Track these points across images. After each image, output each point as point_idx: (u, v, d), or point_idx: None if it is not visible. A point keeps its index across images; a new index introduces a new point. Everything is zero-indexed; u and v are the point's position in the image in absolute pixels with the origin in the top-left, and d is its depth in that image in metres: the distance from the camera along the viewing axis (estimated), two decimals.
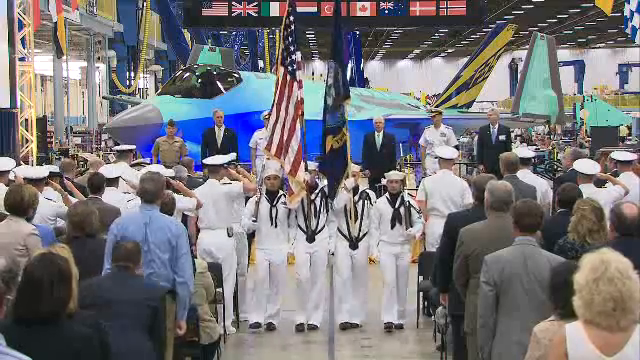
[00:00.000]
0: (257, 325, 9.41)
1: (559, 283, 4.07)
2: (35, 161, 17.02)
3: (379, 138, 15.31)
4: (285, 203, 9.43)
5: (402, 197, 9.50)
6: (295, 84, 9.54)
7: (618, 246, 4.20)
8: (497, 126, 15.38)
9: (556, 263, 4.83)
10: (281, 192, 9.53)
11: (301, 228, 9.53)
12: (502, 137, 15.27)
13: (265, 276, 9.43)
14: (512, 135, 36.39)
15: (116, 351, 4.83)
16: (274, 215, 9.39)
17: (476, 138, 18.34)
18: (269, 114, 10.19)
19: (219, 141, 14.92)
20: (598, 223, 5.94)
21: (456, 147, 15.04)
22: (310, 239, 9.48)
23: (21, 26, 16.68)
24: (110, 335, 4.28)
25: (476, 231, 6.08)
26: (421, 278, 9.58)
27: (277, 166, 9.74)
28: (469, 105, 27.19)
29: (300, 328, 9.39)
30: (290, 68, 9.58)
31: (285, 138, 9.41)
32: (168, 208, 7.10)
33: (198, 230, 9.48)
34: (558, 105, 21.37)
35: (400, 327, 9.42)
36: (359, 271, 9.61)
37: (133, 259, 5.49)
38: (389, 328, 9.35)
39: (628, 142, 28.64)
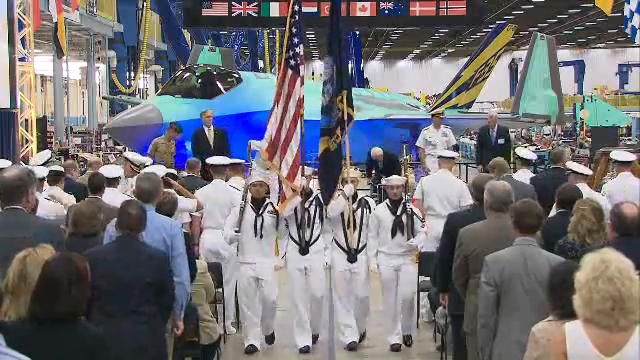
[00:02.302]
0: (253, 349, 8.70)
1: (557, 283, 4.07)
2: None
3: (381, 166, 16.00)
4: (272, 212, 8.61)
5: (404, 204, 8.71)
6: (298, 80, 8.64)
7: (618, 246, 4.20)
8: (496, 129, 15.46)
9: (556, 263, 4.83)
10: (267, 200, 8.74)
11: (293, 239, 8.70)
12: (501, 140, 15.36)
13: (251, 294, 8.69)
14: (512, 135, 36.51)
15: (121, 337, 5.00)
16: (259, 225, 8.53)
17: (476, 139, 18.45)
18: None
19: (211, 141, 14.91)
20: (598, 223, 5.95)
21: (455, 147, 15.22)
22: (303, 251, 8.67)
23: (21, 26, 16.69)
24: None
25: (476, 231, 6.09)
26: (421, 278, 9.55)
27: (264, 170, 9.21)
28: (469, 105, 27.18)
29: (305, 350, 8.69)
30: (292, 62, 8.69)
31: (282, 139, 8.60)
32: (168, 208, 7.09)
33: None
34: (558, 105, 21.35)
35: (399, 347, 8.75)
36: (359, 286, 8.78)
37: (137, 226, 5.48)
38: (396, 350, 8.73)
39: (628, 142, 28.66)
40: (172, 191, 7.99)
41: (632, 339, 3.46)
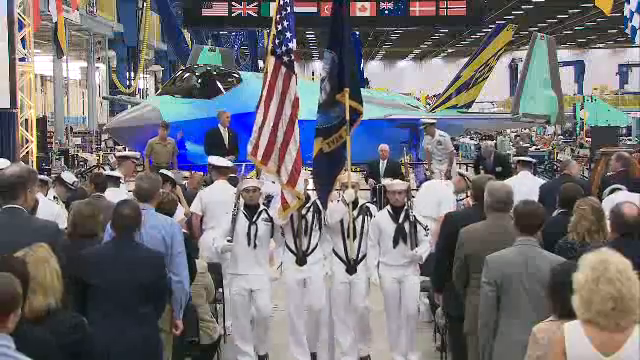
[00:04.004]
0: None
1: (558, 283, 4.07)
2: (35, 161, 17.03)
3: (382, 166, 15.65)
4: (267, 220, 7.96)
5: (407, 211, 8.00)
6: (293, 78, 7.87)
7: (618, 246, 4.21)
8: (492, 158, 15.41)
9: (556, 263, 4.83)
10: (262, 207, 8.10)
11: (290, 249, 8.03)
12: (498, 168, 15.33)
13: (246, 308, 8.00)
14: (513, 135, 36.51)
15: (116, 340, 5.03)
16: (253, 234, 7.88)
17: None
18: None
19: (226, 141, 15.00)
20: (597, 223, 5.94)
21: (451, 153, 15.44)
22: (301, 261, 7.99)
23: (21, 26, 16.67)
24: (96, 334, 4.28)
25: (476, 231, 6.08)
26: (421, 278, 9.54)
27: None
28: (469, 105, 27.19)
29: None
30: (286, 58, 7.91)
31: (280, 142, 7.83)
32: (168, 207, 7.08)
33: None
34: (558, 105, 21.38)
35: None
36: (358, 300, 8.07)
37: (132, 225, 5.46)
38: None
39: (628, 142, 28.68)
40: (169, 191, 7.99)
41: (631, 339, 3.46)
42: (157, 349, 5.46)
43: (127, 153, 12.74)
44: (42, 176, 9.10)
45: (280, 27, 7.99)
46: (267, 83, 7.91)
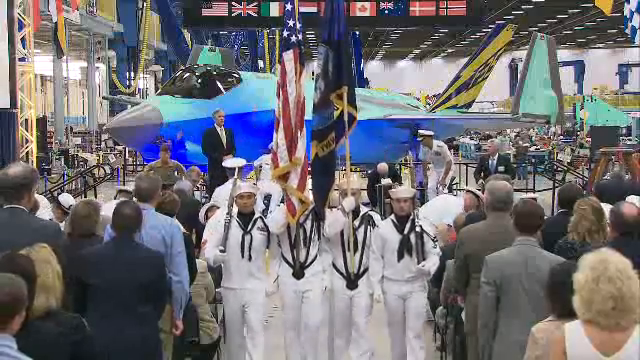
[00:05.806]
0: None
1: (557, 283, 4.07)
2: (35, 161, 17.05)
3: (384, 181, 15.84)
4: (262, 229, 7.28)
5: (413, 221, 7.29)
6: (304, 74, 7.31)
7: (617, 246, 4.21)
8: (496, 157, 15.40)
9: (555, 263, 4.83)
10: (257, 214, 7.38)
11: (286, 260, 7.37)
12: (501, 168, 15.34)
13: (239, 325, 7.35)
14: (513, 135, 36.54)
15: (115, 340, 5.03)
16: (247, 244, 7.19)
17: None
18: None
19: (223, 140, 15.02)
20: (597, 223, 5.95)
21: (449, 162, 15.53)
22: (298, 274, 7.33)
23: (21, 26, 16.68)
24: (97, 334, 4.28)
25: (476, 231, 6.09)
26: None
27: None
28: (469, 105, 27.19)
29: None
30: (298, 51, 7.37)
31: (287, 144, 7.29)
32: (169, 207, 7.07)
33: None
34: (558, 105, 21.39)
35: None
36: (359, 316, 7.41)
37: (132, 226, 5.45)
38: None
39: (628, 142, 28.71)
40: (171, 192, 7.98)
41: (631, 338, 3.47)
42: (156, 349, 5.46)
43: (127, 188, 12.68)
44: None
45: (286, 19, 7.48)
46: (297, 83, 7.36)
